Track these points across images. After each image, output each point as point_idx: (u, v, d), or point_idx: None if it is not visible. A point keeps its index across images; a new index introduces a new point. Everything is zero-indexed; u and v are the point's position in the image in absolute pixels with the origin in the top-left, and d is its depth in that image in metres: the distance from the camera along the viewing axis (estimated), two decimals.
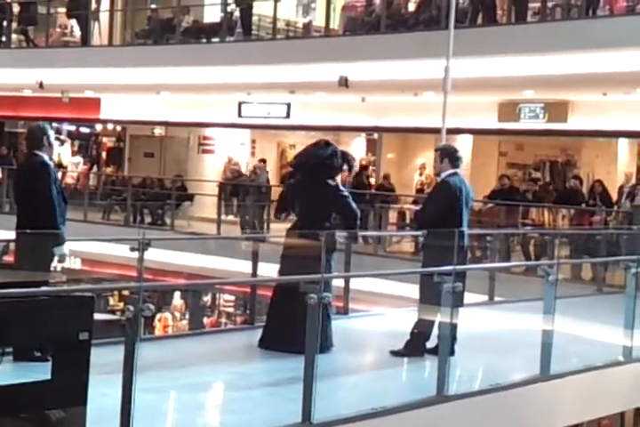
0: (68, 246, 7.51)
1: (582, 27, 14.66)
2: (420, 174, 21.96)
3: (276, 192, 18.79)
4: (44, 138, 7.56)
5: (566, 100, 18.46)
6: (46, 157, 7.59)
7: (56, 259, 7.39)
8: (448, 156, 8.62)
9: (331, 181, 8.54)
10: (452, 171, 8.54)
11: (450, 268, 7.32)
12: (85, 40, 22.14)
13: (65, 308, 5.24)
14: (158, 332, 20.20)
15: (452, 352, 7.68)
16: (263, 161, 21.74)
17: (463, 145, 20.76)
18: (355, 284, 10.53)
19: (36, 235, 7.25)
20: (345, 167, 8.75)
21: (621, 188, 17.71)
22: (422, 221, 8.76)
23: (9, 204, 22.51)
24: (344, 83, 17.34)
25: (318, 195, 8.42)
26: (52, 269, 7.47)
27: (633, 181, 17.89)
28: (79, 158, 27.31)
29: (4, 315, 4.87)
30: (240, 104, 22.62)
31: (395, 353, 8.31)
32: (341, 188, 8.82)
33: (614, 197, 17.29)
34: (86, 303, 5.33)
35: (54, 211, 7.42)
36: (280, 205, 9.08)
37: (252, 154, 24.47)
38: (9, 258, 8.28)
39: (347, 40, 17.88)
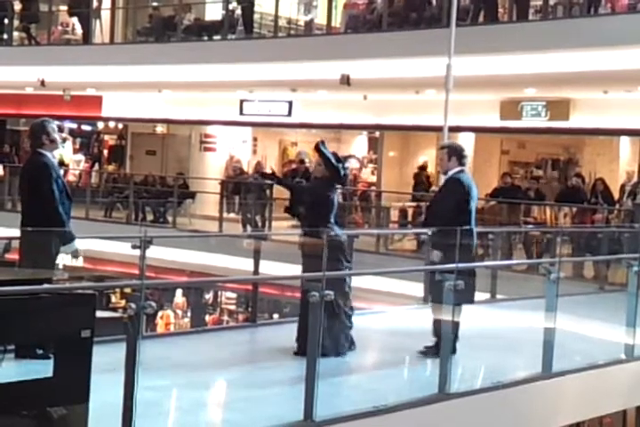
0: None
1: (584, 25, 14.64)
2: None
3: (277, 191, 18.83)
4: (44, 137, 7.52)
5: (568, 99, 18.45)
6: (49, 155, 7.56)
7: (69, 256, 7.38)
8: (455, 154, 8.56)
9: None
10: (459, 168, 8.51)
11: (452, 266, 7.32)
12: (87, 38, 22.12)
13: (67, 306, 5.24)
14: (160, 329, 20.20)
15: (453, 350, 7.70)
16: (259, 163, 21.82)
17: (465, 143, 20.69)
18: (356, 282, 10.52)
19: (38, 233, 7.25)
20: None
21: (623, 186, 17.70)
22: (434, 220, 8.66)
23: (11, 201, 22.55)
24: (346, 81, 17.33)
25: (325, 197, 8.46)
26: (56, 266, 7.47)
27: (635, 179, 17.87)
28: (81, 156, 27.31)
29: (6, 312, 4.87)
30: (242, 102, 22.62)
31: (425, 353, 8.26)
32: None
33: (616, 195, 17.29)
34: (88, 301, 5.34)
35: (57, 209, 7.40)
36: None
37: (254, 152, 24.47)
38: (11, 256, 8.29)
39: (348, 38, 17.86)
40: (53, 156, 7.76)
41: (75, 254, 7.41)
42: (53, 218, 7.37)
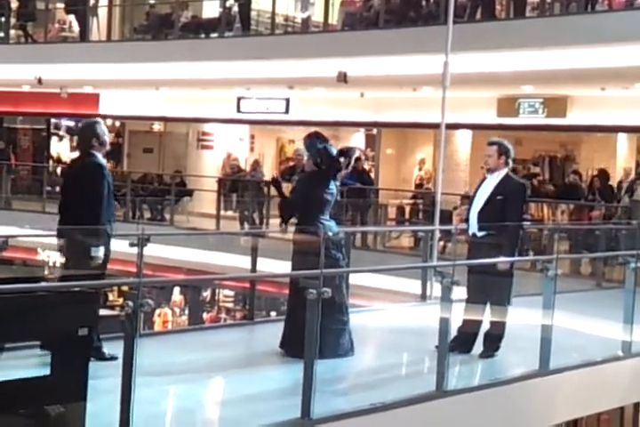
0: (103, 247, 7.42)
1: (581, 22, 14.64)
2: (420, 169, 21.95)
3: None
4: (93, 140, 7.57)
5: (565, 96, 18.45)
6: (100, 157, 7.60)
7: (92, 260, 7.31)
8: (506, 153, 8.39)
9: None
10: (505, 170, 8.40)
11: (449, 263, 7.32)
12: (84, 35, 22.12)
13: (65, 304, 5.24)
14: (158, 327, 20.20)
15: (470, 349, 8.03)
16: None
17: (462, 140, 20.77)
18: (354, 279, 10.53)
19: (80, 233, 7.21)
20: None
21: (620, 182, 17.71)
22: (517, 230, 8.45)
23: (5, 199, 22.60)
24: (343, 78, 17.31)
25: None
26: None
27: (632, 175, 17.88)
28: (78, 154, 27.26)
29: (4, 310, 4.87)
30: (239, 99, 22.60)
31: (485, 356, 8.30)
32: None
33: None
34: (87, 299, 5.34)
35: (101, 212, 7.40)
36: (288, 209, 8.40)
37: (251, 149, 24.46)
38: (8, 254, 8.29)
39: (345, 35, 17.85)
40: (104, 156, 7.78)
41: (95, 260, 7.31)
42: (94, 218, 7.35)
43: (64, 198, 7.75)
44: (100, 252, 7.30)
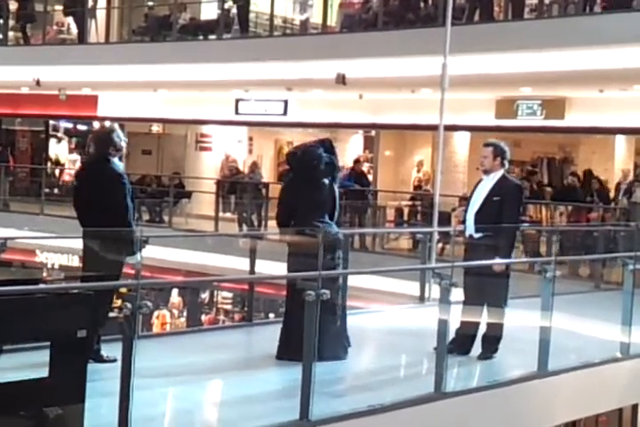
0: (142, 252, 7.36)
1: (579, 23, 14.65)
2: (418, 171, 21.96)
3: (274, 190, 18.83)
4: (110, 148, 7.64)
5: (563, 97, 18.46)
6: (116, 162, 7.72)
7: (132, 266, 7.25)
8: (502, 155, 8.40)
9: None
10: (502, 171, 8.40)
11: (447, 265, 7.32)
12: (82, 38, 22.13)
13: (63, 306, 5.24)
14: (156, 329, 20.19)
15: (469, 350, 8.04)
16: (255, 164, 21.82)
17: (461, 142, 20.78)
18: (352, 281, 10.52)
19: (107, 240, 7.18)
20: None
21: (619, 184, 17.73)
22: (513, 231, 8.53)
23: (3, 201, 22.60)
24: (341, 80, 17.32)
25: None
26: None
27: (630, 177, 17.89)
28: (76, 156, 27.28)
29: (3, 312, 4.87)
30: (237, 101, 22.61)
31: (483, 358, 8.30)
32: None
33: (611, 193, 17.32)
34: (84, 301, 5.34)
35: (128, 221, 7.45)
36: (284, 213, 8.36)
37: (250, 151, 24.47)
38: (6, 256, 8.29)
39: (344, 37, 17.87)
40: (120, 159, 7.89)
41: (137, 266, 7.28)
42: (122, 224, 7.34)
43: (78, 203, 7.74)
44: (138, 258, 7.27)
